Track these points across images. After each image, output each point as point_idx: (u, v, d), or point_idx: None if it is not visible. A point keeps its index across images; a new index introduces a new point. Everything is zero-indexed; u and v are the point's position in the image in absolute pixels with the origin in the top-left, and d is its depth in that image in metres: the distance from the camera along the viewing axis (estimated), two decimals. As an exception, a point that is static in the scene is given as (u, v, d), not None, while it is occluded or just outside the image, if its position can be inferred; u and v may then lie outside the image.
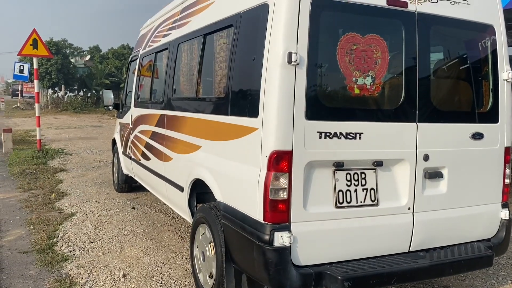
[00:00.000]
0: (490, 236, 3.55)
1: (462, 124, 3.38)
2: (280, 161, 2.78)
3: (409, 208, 3.17)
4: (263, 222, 2.82)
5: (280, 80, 2.76)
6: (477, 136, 3.40)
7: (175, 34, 4.78)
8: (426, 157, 3.20)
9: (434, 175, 3.25)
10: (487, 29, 3.47)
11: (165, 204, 5.80)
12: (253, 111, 2.96)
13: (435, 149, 3.24)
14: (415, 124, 3.16)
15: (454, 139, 3.33)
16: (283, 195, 2.80)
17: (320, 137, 2.87)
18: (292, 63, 2.73)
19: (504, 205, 3.58)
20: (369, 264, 2.97)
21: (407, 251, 3.20)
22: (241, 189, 3.11)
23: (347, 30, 2.95)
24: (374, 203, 3.07)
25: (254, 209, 2.89)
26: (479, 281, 4.07)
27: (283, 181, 2.79)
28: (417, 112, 3.16)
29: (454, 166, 3.32)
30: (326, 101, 2.99)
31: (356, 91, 2.97)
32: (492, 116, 3.49)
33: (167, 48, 4.97)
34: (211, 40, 3.87)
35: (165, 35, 5.20)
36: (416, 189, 3.18)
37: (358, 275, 2.84)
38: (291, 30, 2.75)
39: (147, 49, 5.97)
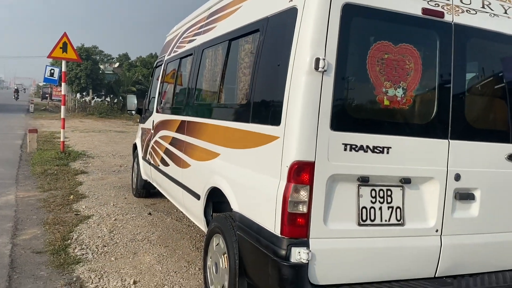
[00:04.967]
0: (524, 266, 3.30)
1: (497, 143, 3.17)
2: (301, 173, 2.64)
3: (437, 230, 2.97)
4: (280, 236, 2.67)
5: (306, 87, 2.63)
6: (514, 157, 3.18)
7: (200, 40, 4.72)
8: (457, 177, 3.00)
9: (465, 196, 3.04)
10: (528, 45, 3.27)
11: (182, 212, 5.70)
12: (275, 119, 2.83)
13: (467, 169, 3.03)
14: (447, 141, 2.98)
15: (488, 159, 3.12)
16: (302, 209, 2.65)
17: (345, 149, 2.72)
18: (319, 70, 2.60)
19: (541, 233, 3.33)
20: None
21: (433, 276, 3.00)
22: (259, 200, 2.97)
23: (379, 38, 2.81)
24: (400, 222, 2.88)
25: (271, 222, 2.74)
26: (509, 313, 3.80)
27: (303, 194, 2.64)
28: (449, 128, 2.98)
29: (488, 188, 3.10)
30: (353, 112, 2.84)
31: (386, 102, 2.82)
32: None
33: (191, 54, 4.91)
34: (236, 45, 3.79)
35: (190, 41, 5.15)
36: (445, 211, 2.98)
37: None
38: (320, 35, 2.63)
39: (172, 54, 5.95)
